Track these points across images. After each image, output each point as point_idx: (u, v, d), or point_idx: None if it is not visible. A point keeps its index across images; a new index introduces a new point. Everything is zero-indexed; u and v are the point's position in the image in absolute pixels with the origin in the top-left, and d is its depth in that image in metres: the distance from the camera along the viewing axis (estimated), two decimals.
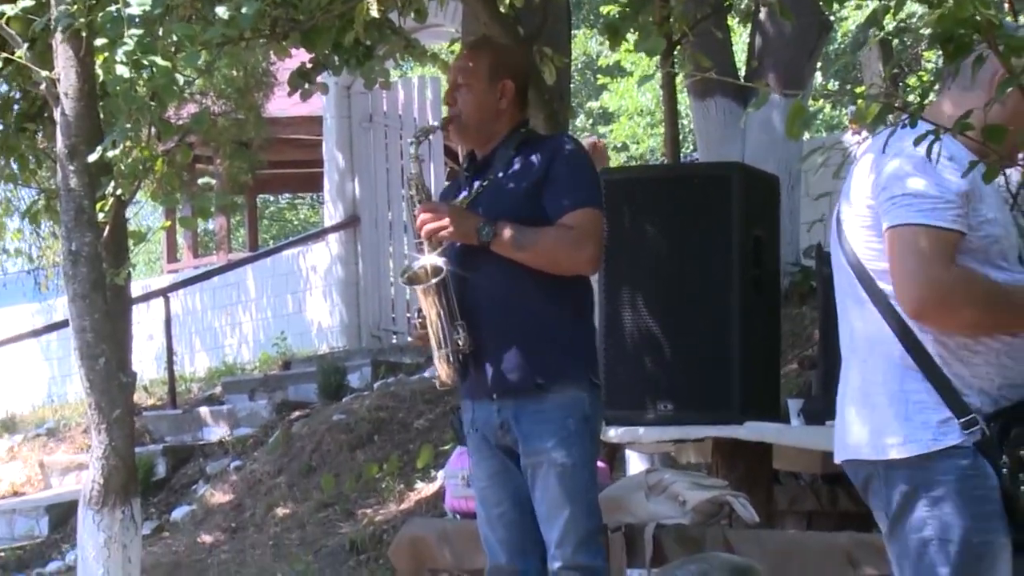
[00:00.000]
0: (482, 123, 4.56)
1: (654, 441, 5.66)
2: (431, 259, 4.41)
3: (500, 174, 4.56)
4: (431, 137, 6.02)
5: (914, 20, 8.83)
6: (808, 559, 4.72)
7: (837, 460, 3.42)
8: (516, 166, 4.55)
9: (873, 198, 3.06)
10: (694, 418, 5.34)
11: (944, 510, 3.11)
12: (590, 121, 21.46)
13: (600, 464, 5.14)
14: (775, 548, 4.67)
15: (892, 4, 2.82)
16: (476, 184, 4.64)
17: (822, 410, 5.01)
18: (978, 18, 2.60)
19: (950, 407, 3.04)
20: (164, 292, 12.39)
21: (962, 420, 3.01)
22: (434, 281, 4.38)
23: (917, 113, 2.70)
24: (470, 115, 4.54)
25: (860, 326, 3.21)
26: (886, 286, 3.05)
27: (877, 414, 3.21)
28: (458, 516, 5.39)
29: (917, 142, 2.51)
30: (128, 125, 5.02)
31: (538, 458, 4.40)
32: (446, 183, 6.73)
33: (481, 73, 4.55)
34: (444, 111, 5.16)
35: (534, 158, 4.53)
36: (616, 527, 4.86)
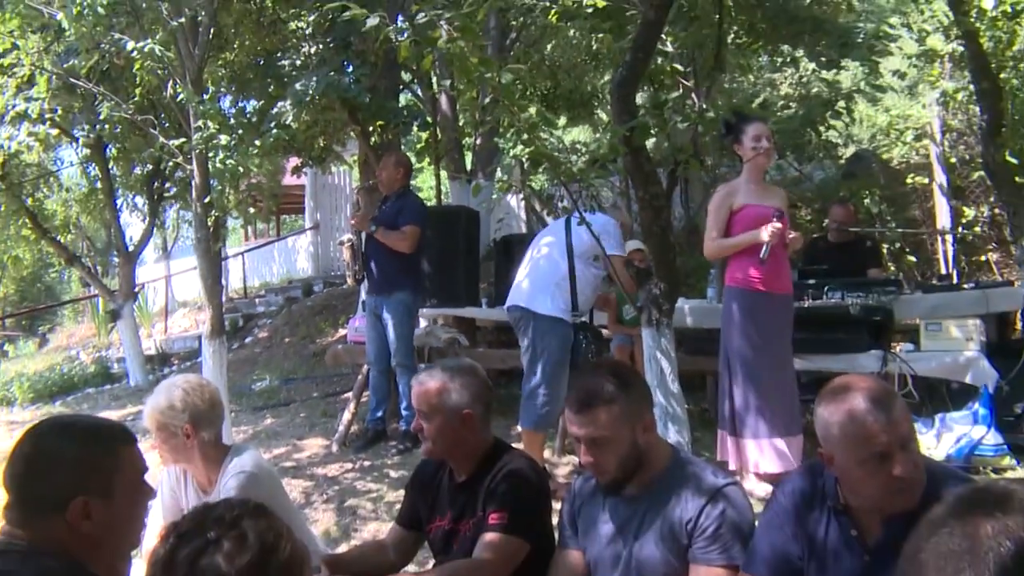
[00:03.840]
0: (390, 186, 6.45)
1: (432, 316, 7.38)
2: (349, 236, 6.45)
3: (390, 205, 6.44)
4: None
5: None
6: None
7: (509, 304, 5.20)
8: (394, 201, 6.41)
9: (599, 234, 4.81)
10: (445, 305, 7.25)
11: (551, 340, 5.06)
12: None
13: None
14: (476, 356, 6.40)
15: None
16: (382, 208, 6.44)
17: (497, 298, 6.89)
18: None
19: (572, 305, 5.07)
20: None
21: (573, 312, 5.08)
22: (349, 243, 6.39)
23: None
24: (386, 185, 6.45)
25: (554, 265, 5.16)
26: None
27: (544, 294, 5.08)
28: (355, 343, 7.06)
29: None
30: None
31: (387, 319, 6.28)
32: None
33: (390, 168, 6.43)
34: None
35: (404, 199, 6.45)
36: (419, 346, 6.51)
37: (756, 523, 2.48)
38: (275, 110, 6.63)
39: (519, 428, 5.44)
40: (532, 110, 4.37)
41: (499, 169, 8.35)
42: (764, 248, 4.64)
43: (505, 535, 2.67)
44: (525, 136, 3.98)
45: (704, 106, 4.72)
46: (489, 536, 2.68)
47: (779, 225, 4.66)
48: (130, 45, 6.24)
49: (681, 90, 5.02)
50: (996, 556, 0.89)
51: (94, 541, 1.74)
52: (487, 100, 4.03)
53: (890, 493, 2.13)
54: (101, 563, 1.76)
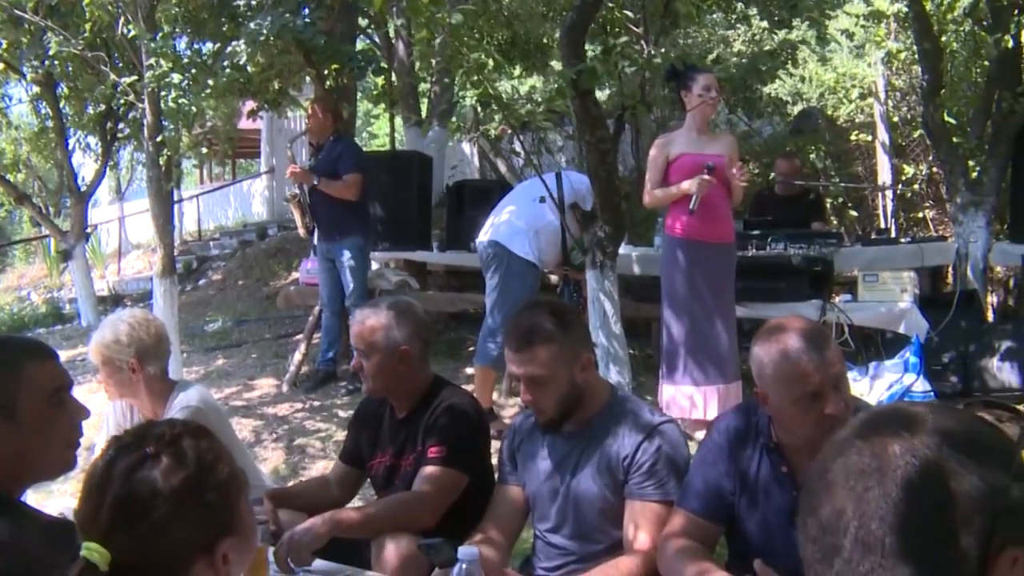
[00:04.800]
0: (321, 133, 6.30)
1: (384, 260, 7.47)
2: (294, 190, 6.37)
3: (326, 153, 6.29)
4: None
5: None
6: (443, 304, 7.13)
7: (481, 240, 5.25)
8: (330, 149, 6.26)
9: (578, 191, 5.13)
10: (397, 249, 7.34)
11: (521, 283, 5.13)
12: None
13: None
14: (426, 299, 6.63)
15: None
16: (318, 157, 6.33)
17: (449, 243, 7.25)
18: None
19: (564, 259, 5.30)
20: None
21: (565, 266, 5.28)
22: (294, 199, 6.37)
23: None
24: (316, 133, 6.33)
25: (538, 213, 5.25)
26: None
27: (523, 237, 5.18)
28: (307, 285, 7.12)
29: None
30: None
31: (342, 261, 6.23)
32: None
33: (321, 112, 6.28)
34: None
35: (338, 145, 6.29)
36: (369, 288, 6.54)
37: (691, 460, 2.48)
38: (229, 50, 6.43)
39: (472, 368, 5.43)
40: (481, 53, 4.27)
41: (455, 116, 8.26)
42: (693, 199, 4.64)
43: (444, 468, 2.67)
44: (475, 78, 3.93)
45: (651, 52, 4.71)
46: (428, 469, 2.68)
47: (707, 177, 4.66)
48: None
49: (630, 36, 4.99)
50: (903, 473, 0.89)
51: (3, 463, 1.66)
52: (437, 41, 3.97)
53: (822, 431, 2.13)
54: (21, 485, 1.71)
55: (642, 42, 4.92)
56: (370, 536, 2.62)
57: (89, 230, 11.65)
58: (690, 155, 4.81)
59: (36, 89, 10.01)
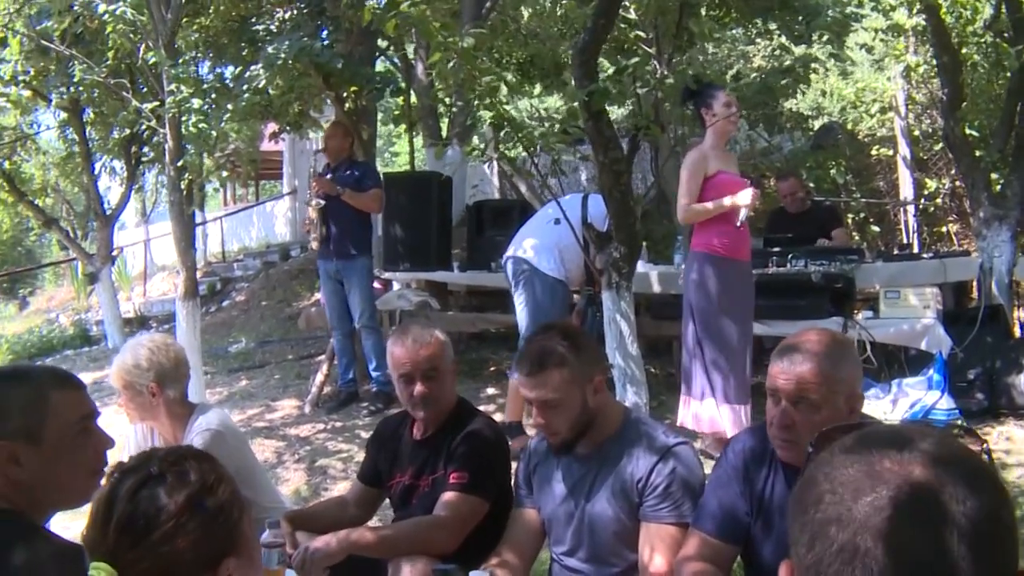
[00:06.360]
0: (339, 154, 6.47)
1: (404, 280, 7.48)
2: (317, 200, 6.37)
3: (342, 171, 6.44)
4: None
5: None
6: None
7: (511, 255, 5.32)
8: (348, 168, 6.45)
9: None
10: (417, 269, 7.26)
11: (553, 299, 5.22)
12: None
13: (377, 286, 6.93)
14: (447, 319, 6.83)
15: None
16: (334, 175, 6.37)
17: (469, 263, 7.30)
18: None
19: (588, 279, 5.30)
20: None
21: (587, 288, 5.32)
22: (318, 207, 6.33)
23: None
24: (334, 153, 6.46)
25: (561, 232, 5.21)
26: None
27: (549, 255, 5.27)
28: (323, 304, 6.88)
29: None
30: None
31: (350, 284, 6.35)
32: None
33: (338, 137, 6.49)
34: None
35: (359, 166, 6.51)
36: (390, 309, 6.89)
37: (706, 481, 2.47)
38: (248, 74, 6.51)
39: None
40: (495, 76, 4.29)
41: (475, 137, 8.31)
42: (743, 213, 4.63)
43: (465, 494, 2.68)
44: (487, 100, 3.96)
45: (665, 72, 4.71)
46: (449, 495, 2.69)
47: (758, 191, 4.66)
48: (101, 8, 6.15)
49: (642, 57, 5.00)
50: (895, 489, 0.89)
51: (27, 488, 1.69)
52: (450, 64, 4.02)
53: (772, 437, 2.20)
54: (44, 511, 1.73)
55: (655, 62, 4.91)
56: (385, 556, 2.63)
57: (115, 253, 11.77)
58: (725, 173, 4.78)
59: (63, 115, 10.17)
